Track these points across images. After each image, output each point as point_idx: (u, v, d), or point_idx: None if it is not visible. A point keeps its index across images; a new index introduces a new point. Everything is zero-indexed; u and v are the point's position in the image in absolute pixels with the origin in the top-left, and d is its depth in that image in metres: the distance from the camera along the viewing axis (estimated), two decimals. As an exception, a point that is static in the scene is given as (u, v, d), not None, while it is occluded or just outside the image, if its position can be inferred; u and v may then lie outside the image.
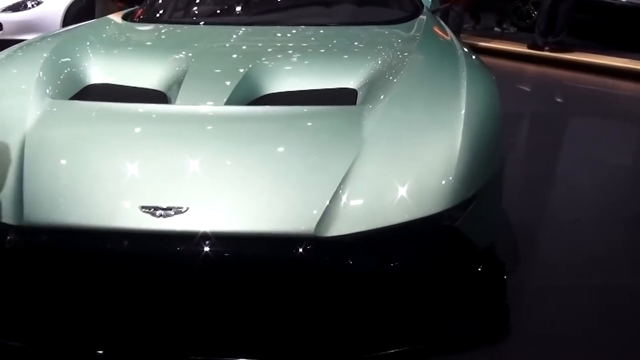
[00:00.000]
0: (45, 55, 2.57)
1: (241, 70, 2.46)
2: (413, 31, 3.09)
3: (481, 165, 2.12)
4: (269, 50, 2.76)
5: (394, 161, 2.04)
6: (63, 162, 2.05)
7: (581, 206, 3.38)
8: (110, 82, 2.61)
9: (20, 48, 2.78)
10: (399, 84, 2.33)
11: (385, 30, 3.16)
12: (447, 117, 2.17)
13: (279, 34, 3.09)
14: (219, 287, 1.91)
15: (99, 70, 2.66)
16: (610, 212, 3.28)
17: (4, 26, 7.10)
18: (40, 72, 2.45)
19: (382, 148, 2.06)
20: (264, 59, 2.61)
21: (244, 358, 1.93)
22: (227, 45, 2.80)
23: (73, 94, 2.49)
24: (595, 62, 6.73)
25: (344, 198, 1.92)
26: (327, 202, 1.91)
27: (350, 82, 2.53)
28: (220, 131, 2.13)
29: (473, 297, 2.16)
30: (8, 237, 1.94)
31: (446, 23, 3.69)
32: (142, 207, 1.89)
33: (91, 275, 1.93)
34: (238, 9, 3.56)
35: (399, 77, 2.38)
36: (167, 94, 2.46)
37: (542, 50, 7.20)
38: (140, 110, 2.25)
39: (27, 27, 7.04)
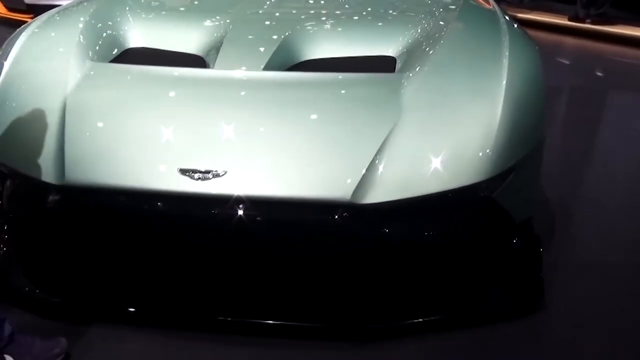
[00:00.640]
0: (84, 19, 2.58)
1: (279, 37, 2.44)
2: None
3: (521, 137, 2.09)
4: (307, 16, 2.73)
5: (432, 130, 2.02)
6: (103, 124, 2.07)
7: (619, 183, 3.31)
8: (149, 45, 2.62)
9: (59, 12, 2.80)
10: (438, 52, 2.29)
11: None
12: (488, 86, 2.13)
13: (316, 0, 3.05)
14: (256, 251, 1.92)
15: (139, 33, 2.67)
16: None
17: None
18: (81, 36, 2.46)
19: (421, 117, 2.04)
20: (301, 25, 2.59)
21: (273, 320, 1.97)
22: (264, 10, 2.77)
23: (113, 57, 2.50)
24: (638, 36, 6.51)
25: (381, 166, 1.92)
26: (364, 170, 1.90)
27: (389, 49, 2.49)
28: (258, 96, 2.13)
29: (509, 269, 2.15)
30: (49, 197, 1.98)
31: None
32: (181, 170, 1.91)
33: (129, 235, 1.97)
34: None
35: (439, 45, 2.33)
36: (206, 59, 2.46)
37: (584, 22, 6.99)
38: (180, 74, 2.25)
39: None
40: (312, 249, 1.91)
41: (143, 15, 2.76)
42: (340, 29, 2.64)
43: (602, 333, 2.10)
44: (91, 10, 2.71)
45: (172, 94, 2.16)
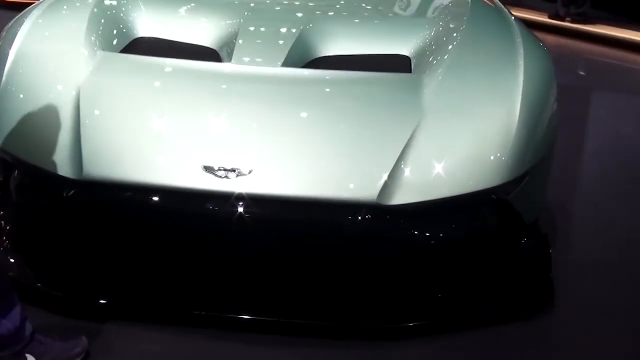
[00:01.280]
0: (92, 3, 2.50)
1: (294, 31, 2.42)
2: None
3: (538, 140, 2.14)
4: (321, 11, 2.71)
5: (453, 133, 2.04)
6: (121, 117, 2.03)
7: (607, 180, 3.38)
8: (159, 35, 2.55)
9: None
10: (455, 53, 2.30)
11: None
12: (505, 87, 2.16)
13: None
14: (280, 250, 1.91)
15: (149, 22, 2.58)
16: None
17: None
18: (89, 23, 2.38)
19: (442, 119, 2.06)
20: (316, 20, 2.57)
21: (299, 319, 1.97)
22: (277, 3, 2.74)
23: (123, 46, 2.43)
24: (617, 36, 6.64)
25: (405, 167, 1.93)
26: (389, 171, 1.91)
27: (402, 48, 2.50)
28: (280, 93, 2.11)
29: (520, 269, 2.19)
30: (66, 191, 1.93)
31: None
32: (205, 167, 1.88)
33: (150, 232, 1.94)
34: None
35: (455, 45, 2.34)
36: (220, 52, 2.42)
37: (564, 20, 7.10)
38: (198, 67, 2.22)
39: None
40: (338, 250, 1.91)
41: (154, 3, 2.68)
42: (354, 25, 2.64)
43: (601, 333, 2.15)
44: None
45: (191, 88, 2.13)
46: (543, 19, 7.36)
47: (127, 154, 1.94)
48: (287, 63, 2.26)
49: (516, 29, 2.50)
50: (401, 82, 2.21)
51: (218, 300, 1.96)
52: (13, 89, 2.16)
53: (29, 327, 1.72)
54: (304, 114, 2.04)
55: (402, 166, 1.93)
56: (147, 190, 1.89)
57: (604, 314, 2.23)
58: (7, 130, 2.07)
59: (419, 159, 1.96)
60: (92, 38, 2.34)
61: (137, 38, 2.53)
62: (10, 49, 2.27)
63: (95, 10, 2.47)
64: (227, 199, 1.86)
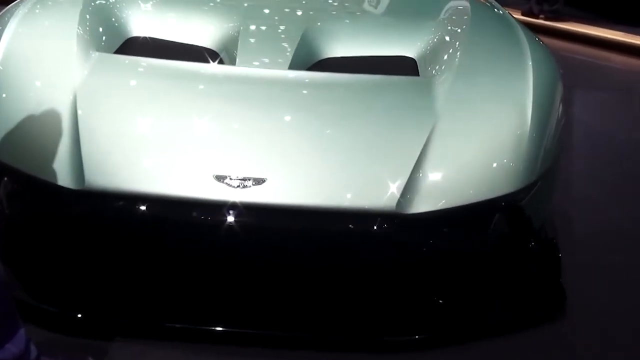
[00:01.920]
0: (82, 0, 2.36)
1: (297, 32, 2.34)
2: None
3: (549, 143, 2.11)
4: (323, 10, 2.63)
5: (467, 139, 2.00)
6: (125, 123, 1.91)
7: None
8: (155, 35, 2.42)
9: None
10: (463, 56, 2.26)
11: None
12: (516, 90, 2.13)
13: None
14: (298, 261, 1.84)
15: (144, 20, 2.45)
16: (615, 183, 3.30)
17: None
18: (80, 21, 2.24)
19: (455, 124, 2.01)
20: (318, 21, 2.49)
21: (317, 333, 1.90)
22: (278, 3, 2.64)
23: (118, 45, 2.31)
24: (590, 34, 6.75)
25: (422, 175, 1.88)
26: (407, 179, 1.85)
27: (407, 50, 2.45)
28: (290, 98, 2.03)
29: (530, 275, 2.17)
30: (68, 202, 1.82)
31: None
32: (217, 177, 1.79)
33: (158, 244, 1.84)
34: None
35: (462, 48, 2.30)
36: (220, 53, 2.32)
37: (537, 18, 7.17)
38: (201, 69, 2.12)
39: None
40: (360, 260, 1.85)
41: (149, 1, 2.54)
42: (356, 26, 2.58)
43: (600, 332, 2.15)
44: None
45: (196, 91, 2.03)
46: (516, 16, 7.38)
47: (132, 163, 1.83)
48: (293, 65, 2.18)
49: (520, 31, 2.48)
50: (412, 86, 2.15)
51: (237, 316, 1.88)
52: (4, 92, 2.02)
53: (34, 351, 1.61)
54: (316, 120, 1.97)
55: (419, 174, 1.88)
56: (151, 200, 1.78)
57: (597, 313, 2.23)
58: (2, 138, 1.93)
59: (435, 165, 1.91)
60: (86, 37, 2.21)
61: (132, 37, 2.41)
62: None
63: (85, 6, 2.33)
64: (241, 210, 1.77)
